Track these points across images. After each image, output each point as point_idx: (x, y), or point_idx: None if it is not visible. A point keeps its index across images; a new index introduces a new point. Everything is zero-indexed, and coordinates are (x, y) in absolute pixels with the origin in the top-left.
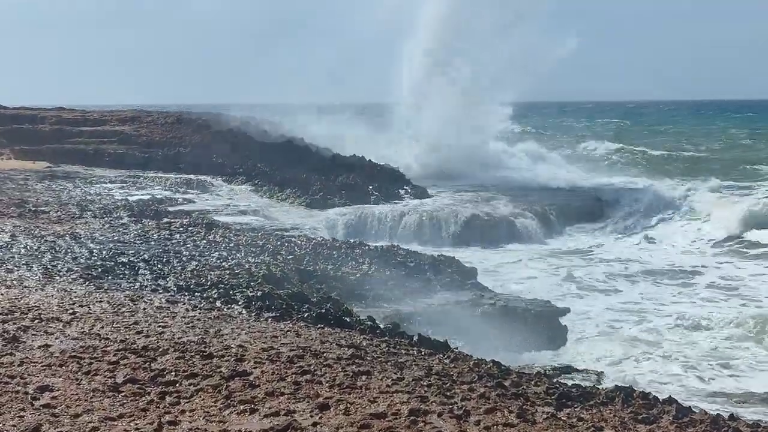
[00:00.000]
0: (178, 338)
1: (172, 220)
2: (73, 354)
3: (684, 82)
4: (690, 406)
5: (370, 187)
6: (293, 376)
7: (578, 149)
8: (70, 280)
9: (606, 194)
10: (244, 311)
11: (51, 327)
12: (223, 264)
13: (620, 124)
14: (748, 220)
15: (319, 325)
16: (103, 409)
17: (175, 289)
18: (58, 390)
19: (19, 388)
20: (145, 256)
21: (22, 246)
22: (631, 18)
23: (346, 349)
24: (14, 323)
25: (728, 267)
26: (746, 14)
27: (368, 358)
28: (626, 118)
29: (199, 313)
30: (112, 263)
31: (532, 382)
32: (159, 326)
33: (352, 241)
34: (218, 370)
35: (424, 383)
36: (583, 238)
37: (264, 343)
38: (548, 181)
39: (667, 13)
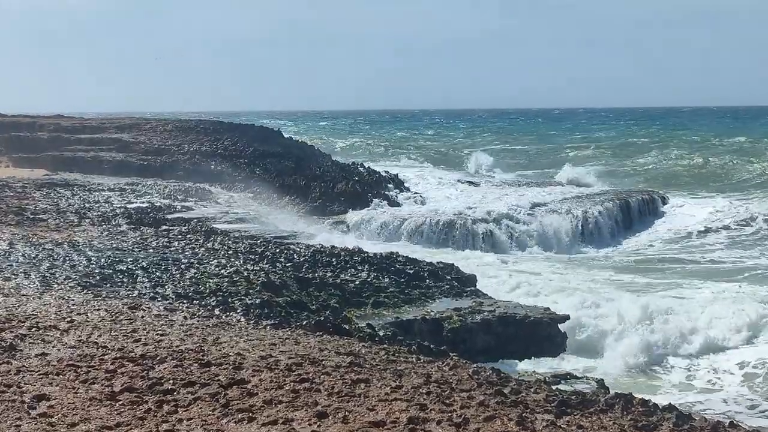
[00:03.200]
0: (176, 346)
1: (171, 228)
2: (71, 362)
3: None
4: (690, 413)
5: (369, 194)
6: (291, 384)
7: None
8: (68, 288)
9: None
10: (242, 319)
11: (48, 335)
12: (222, 271)
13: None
14: None
15: (317, 333)
16: (100, 418)
17: (173, 296)
18: (55, 399)
19: (16, 396)
20: (144, 263)
21: (20, 254)
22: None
23: (345, 356)
24: (11, 331)
25: None
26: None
27: (367, 366)
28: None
29: (198, 321)
30: (111, 271)
31: (532, 390)
32: (157, 334)
33: (351, 248)
34: (216, 378)
35: (423, 391)
36: None
37: (262, 350)
38: None
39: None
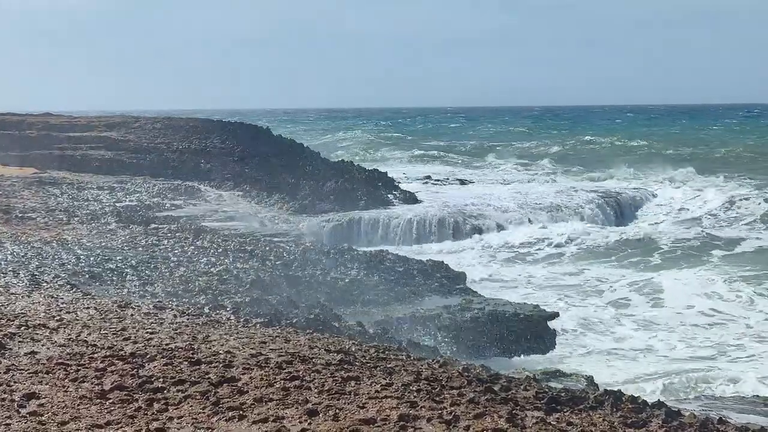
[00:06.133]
0: (166, 344)
1: (160, 226)
2: (60, 361)
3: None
4: (679, 410)
5: (359, 192)
6: (282, 382)
7: None
8: (57, 286)
9: None
10: (232, 317)
11: (38, 334)
12: (212, 270)
13: None
14: None
15: (307, 331)
16: (90, 417)
17: (163, 294)
18: (44, 397)
19: (5, 395)
20: (133, 262)
21: (9, 252)
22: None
23: (335, 354)
24: (0, 330)
25: None
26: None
27: (357, 364)
28: None
29: (187, 319)
30: (100, 269)
31: (522, 387)
32: (147, 332)
33: (340, 246)
34: (206, 376)
35: (413, 388)
36: None
37: (252, 349)
38: None
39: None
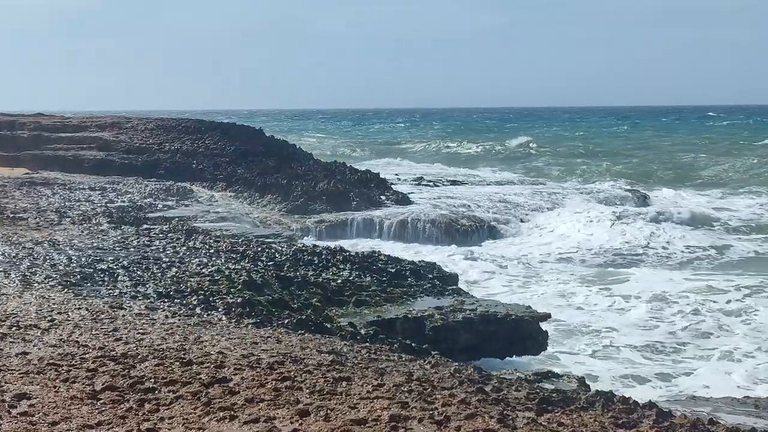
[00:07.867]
0: (158, 345)
1: (152, 227)
2: (52, 361)
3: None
4: (670, 410)
5: (351, 193)
6: (273, 382)
7: None
8: (48, 287)
9: None
10: (224, 318)
11: (29, 334)
12: (203, 270)
13: None
14: None
15: (299, 332)
16: (81, 417)
17: (154, 295)
18: (36, 398)
19: None
20: (125, 262)
21: (0, 253)
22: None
23: (327, 355)
24: None
25: None
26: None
27: (349, 364)
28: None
29: (179, 320)
30: (91, 270)
31: (513, 387)
32: (138, 333)
33: (332, 247)
34: (198, 376)
35: (405, 389)
36: None
37: (244, 349)
38: None
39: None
